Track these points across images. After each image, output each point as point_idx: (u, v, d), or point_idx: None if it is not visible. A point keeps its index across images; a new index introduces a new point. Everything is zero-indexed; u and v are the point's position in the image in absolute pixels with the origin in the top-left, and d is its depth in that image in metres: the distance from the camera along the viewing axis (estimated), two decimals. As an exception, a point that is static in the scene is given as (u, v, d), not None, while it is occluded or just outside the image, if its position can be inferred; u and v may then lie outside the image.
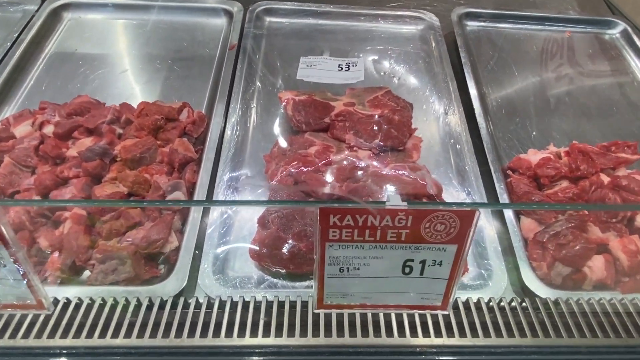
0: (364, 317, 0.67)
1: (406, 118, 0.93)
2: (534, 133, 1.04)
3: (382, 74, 1.13)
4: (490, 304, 0.71)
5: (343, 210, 0.46)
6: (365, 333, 0.65)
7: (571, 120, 1.08)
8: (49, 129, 0.90)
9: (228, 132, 0.95)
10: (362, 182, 0.82)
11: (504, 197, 0.88)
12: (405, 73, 1.13)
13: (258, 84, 1.07)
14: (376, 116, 0.90)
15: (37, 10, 1.21)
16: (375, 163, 0.83)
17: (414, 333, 0.65)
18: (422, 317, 0.68)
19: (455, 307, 0.70)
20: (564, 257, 0.76)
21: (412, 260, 0.50)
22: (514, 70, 1.18)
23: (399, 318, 0.67)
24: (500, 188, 0.89)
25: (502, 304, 0.72)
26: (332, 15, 1.24)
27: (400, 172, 0.84)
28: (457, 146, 0.97)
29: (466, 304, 0.71)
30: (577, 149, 0.93)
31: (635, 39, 1.26)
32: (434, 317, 0.67)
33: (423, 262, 0.50)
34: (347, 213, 0.46)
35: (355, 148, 0.86)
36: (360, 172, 0.82)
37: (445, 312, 0.56)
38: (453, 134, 0.99)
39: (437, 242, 0.48)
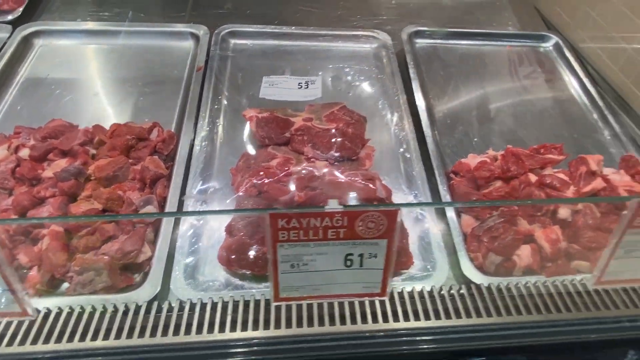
0: (320, 309, 0.75)
1: (359, 130, 1.03)
2: (476, 139, 1.16)
3: (339, 90, 1.23)
4: (435, 292, 0.82)
5: (289, 215, 0.55)
6: (321, 323, 0.73)
7: (509, 126, 1.20)
8: (24, 153, 0.96)
9: (197, 148, 1.03)
10: (319, 190, 0.91)
11: (446, 198, 0.98)
12: (361, 89, 1.23)
13: (224, 102, 1.15)
14: (332, 130, 0.99)
15: (9, 38, 1.26)
16: (331, 172, 0.93)
17: (364, 320, 0.74)
18: (372, 306, 0.77)
19: (402, 297, 0.80)
20: (496, 248, 0.87)
21: (352, 255, 0.59)
22: (459, 83, 1.30)
23: (352, 308, 0.76)
24: (443, 190, 0.99)
25: (442, 292, 0.82)
26: (293, 36, 1.34)
27: (353, 179, 0.93)
28: (407, 154, 1.08)
29: (411, 293, 0.80)
30: (511, 152, 1.05)
31: (566, 51, 1.40)
32: (382, 305, 0.76)
33: (361, 256, 0.59)
34: (293, 217, 0.55)
35: (313, 159, 0.95)
36: (317, 181, 0.91)
37: (383, 298, 0.65)
38: (403, 143, 1.10)
39: (370, 237, 0.57)
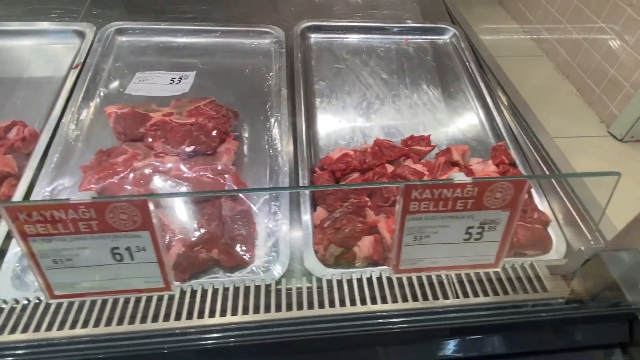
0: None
1: (223, 125, 1.02)
2: (358, 133, 1.15)
3: (219, 84, 1.21)
4: (278, 285, 0.81)
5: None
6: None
7: (394, 120, 1.19)
8: None
9: (56, 146, 1.01)
10: (162, 186, 0.89)
11: (305, 192, 0.97)
12: (243, 84, 1.22)
13: (97, 100, 1.13)
14: (189, 124, 0.98)
15: None
16: (178, 167, 0.92)
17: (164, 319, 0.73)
18: (200, 303, 0.76)
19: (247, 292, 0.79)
20: (336, 239, 0.86)
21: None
22: (347, 77, 1.29)
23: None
24: (303, 183, 0.99)
25: (279, 286, 0.81)
26: (182, 32, 1.33)
27: (202, 173, 0.92)
28: (278, 149, 1.07)
29: (246, 289, 0.79)
30: (377, 144, 1.04)
31: (462, 43, 1.40)
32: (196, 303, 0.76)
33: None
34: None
35: (162, 154, 0.94)
36: (161, 177, 0.90)
37: (169, 293, 0.64)
38: (276, 137, 1.09)
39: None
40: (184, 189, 0.89)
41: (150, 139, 0.96)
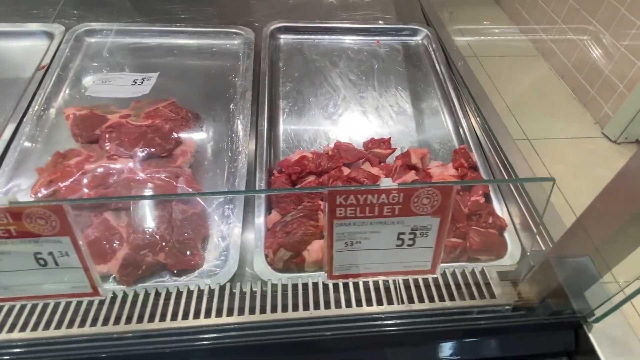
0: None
1: (180, 127, 1.02)
2: (322, 136, 1.14)
3: (184, 87, 1.20)
4: (224, 290, 0.80)
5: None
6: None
7: (359, 122, 1.18)
8: None
9: (17, 148, 1.01)
10: (113, 188, 0.89)
11: (260, 195, 0.97)
12: (208, 85, 1.21)
13: (60, 101, 1.13)
14: (144, 126, 0.98)
15: None
16: (131, 169, 0.91)
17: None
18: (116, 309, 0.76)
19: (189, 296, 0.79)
20: (286, 243, 0.85)
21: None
22: (314, 79, 1.28)
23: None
24: (259, 186, 0.98)
25: (224, 290, 0.81)
26: (152, 33, 1.32)
27: (153, 176, 0.92)
28: (238, 151, 1.06)
29: (189, 293, 0.79)
30: (336, 147, 1.03)
31: (433, 44, 1.39)
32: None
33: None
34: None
35: (115, 157, 0.93)
36: (112, 179, 0.90)
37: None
38: (238, 139, 1.08)
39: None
40: (134, 191, 0.89)
41: (104, 141, 0.96)
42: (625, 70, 2.80)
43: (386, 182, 0.59)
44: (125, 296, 0.79)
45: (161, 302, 0.78)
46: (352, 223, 0.61)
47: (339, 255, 0.64)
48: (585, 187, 2.48)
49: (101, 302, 0.79)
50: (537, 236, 0.85)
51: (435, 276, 0.68)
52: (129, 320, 0.74)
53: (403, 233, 0.63)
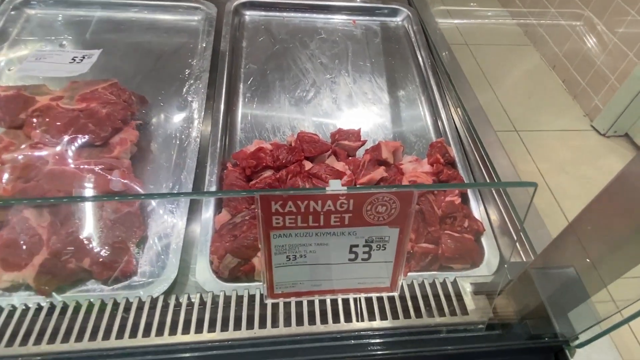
0: None
1: (119, 111, 0.89)
2: (286, 125, 1.02)
3: (131, 66, 1.07)
4: (157, 302, 0.69)
5: None
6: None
7: (327, 110, 1.07)
8: None
9: None
10: (34, 182, 0.77)
11: (211, 189, 0.85)
12: (161, 64, 1.08)
13: (-12, 79, 1.00)
14: (77, 111, 0.85)
15: None
16: (58, 160, 0.79)
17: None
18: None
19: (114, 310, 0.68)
20: (233, 249, 0.74)
21: None
22: (281, 60, 1.16)
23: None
24: (209, 181, 0.87)
25: (157, 303, 0.70)
26: (97, 5, 1.18)
27: (85, 167, 0.80)
28: (188, 140, 0.94)
29: (113, 305, 0.68)
30: (299, 138, 0.92)
31: (414, 26, 1.27)
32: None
33: None
34: None
35: (40, 145, 0.81)
36: (35, 171, 0.78)
37: None
38: (188, 128, 0.96)
39: None
40: (58, 184, 0.77)
41: (29, 127, 0.83)
42: (618, 62, 2.72)
43: (334, 185, 0.48)
44: (39, 309, 0.68)
45: (80, 317, 0.66)
46: (294, 234, 0.50)
47: (280, 271, 0.53)
48: (572, 184, 2.41)
49: (10, 314, 0.68)
50: (516, 244, 0.75)
51: (394, 294, 0.59)
52: (39, 339, 0.63)
53: (356, 245, 0.52)
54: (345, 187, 0.47)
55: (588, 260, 0.59)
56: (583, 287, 0.60)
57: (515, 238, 0.76)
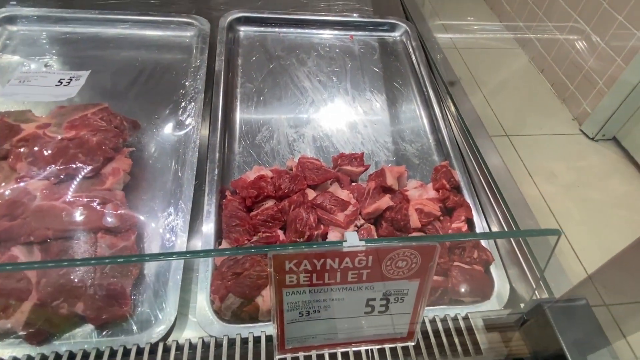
0: None
1: (111, 139, 0.85)
2: (285, 147, 0.99)
3: (122, 87, 1.02)
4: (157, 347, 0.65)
5: None
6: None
7: (330, 130, 1.03)
8: None
9: None
10: (21, 219, 0.72)
11: (210, 219, 0.82)
12: (153, 84, 1.03)
13: (-32, 103, 0.95)
14: (66, 139, 0.81)
15: None
16: (46, 194, 0.74)
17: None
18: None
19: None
20: (235, 288, 0.71)
21: None
22: (278, 78, 1.12)
23: None
24: (207, 211, 0.83)
25: (157, 348, 0.66)
26: (85, 21, 1.12)
27: (76, 202, 0.75)
28: (184, 166, 0.90)
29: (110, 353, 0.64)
30: (300, 164, 0.89)
31: (413, 41, 1.25)
32: None
33: None
34: None
35: (26, 178, 0.76)
36: (21, 208, 0.73)
37: None
38: (183, 153, 0.92)
39: None
40: (47, 221, 0.72)
41: (15, 159, 0.78)
42: (605, 67, 2.75)
43: (351, 240, 0.45)
44: (29, 359, 0.64)
45: (75, 368, 0.63)
46: (308, 291, 0.47)
47: (292, 327, 0.50)
48: (562, 192, 2.43)
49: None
50: (535, 292, 0.73)
51: (411, 344, 0.56)
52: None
53: (373, 299, 0.50)
54: (363, 242, 0.44)
55: (609, 305, 0.57)
56: (603, 332, 0.59)
57: (532, 282, 0.74)
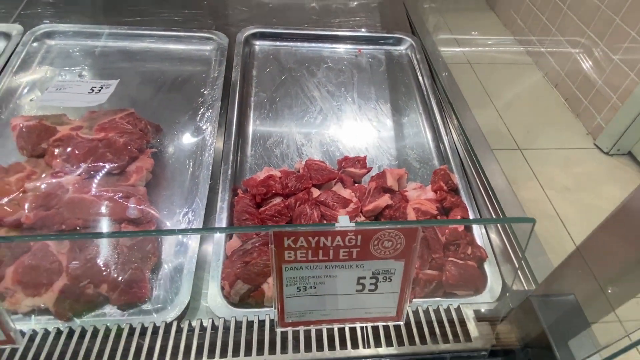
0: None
1: (136, 140, 0.93)
2: (294, 151, 1.06)
3: (147, 95, 1.12)
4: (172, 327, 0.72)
5: None
6: None
7: (337, 136, 1.10)
8: None
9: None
10: (55, 210, 0.81)
11: (222, 217, 0.89)
12: (174, 94, 1.13)
13: (11, 107, 1.04)
14: (96, 140, 0.89)
15: None
16: (78, 188, 0.83)
17: None
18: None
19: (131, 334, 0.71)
20: (244, 275, 0.77)
21: None
22: (289, 89, 1.20)
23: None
24: (220, 207, 0.90)
25: (171, 328, 0.73)
26: (116, 36, 1.24)
27: (103, 195, 0.83)
28: (200, 167, 0.98)
29: (129, 330, 0.71)
30: (307, 165, 0.96)
31: (417, 54, 1.31)
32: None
33: None
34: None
35: (60, 174, 0.85)
36: (55, 199, 0.81)
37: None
38: (201, 155, 1.00)
39: None
40: (78, 211, 0.80)
41: (51, 156, 0.87)
42: (619, 81, 2.76)
43: (343, 222, 0.51)
44: (59, 333, 0.71)
45: (98, 341, 0.69)
46: (304, 267, 0.53)
47: (290, 301, 0.56)
48: (576, 207, 2.42)
49: (31, 338, 0.71)
50: (518, 271, 0.77)
51: (400, 323, 0.61)
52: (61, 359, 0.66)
53: (363, 277, 0.55)
54: (353, 224, 0.50)
55: (589, 288, 0.61)
56: (584, 316, 0.62)
57: (517, 266, 0.79)
